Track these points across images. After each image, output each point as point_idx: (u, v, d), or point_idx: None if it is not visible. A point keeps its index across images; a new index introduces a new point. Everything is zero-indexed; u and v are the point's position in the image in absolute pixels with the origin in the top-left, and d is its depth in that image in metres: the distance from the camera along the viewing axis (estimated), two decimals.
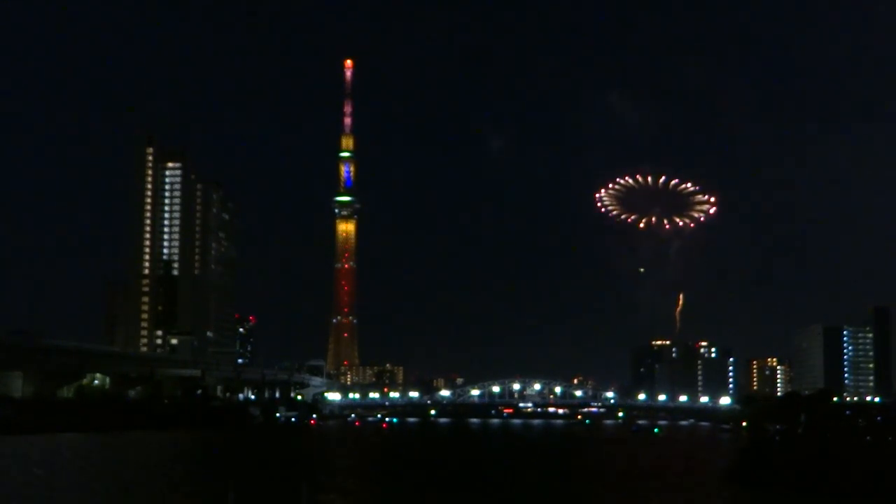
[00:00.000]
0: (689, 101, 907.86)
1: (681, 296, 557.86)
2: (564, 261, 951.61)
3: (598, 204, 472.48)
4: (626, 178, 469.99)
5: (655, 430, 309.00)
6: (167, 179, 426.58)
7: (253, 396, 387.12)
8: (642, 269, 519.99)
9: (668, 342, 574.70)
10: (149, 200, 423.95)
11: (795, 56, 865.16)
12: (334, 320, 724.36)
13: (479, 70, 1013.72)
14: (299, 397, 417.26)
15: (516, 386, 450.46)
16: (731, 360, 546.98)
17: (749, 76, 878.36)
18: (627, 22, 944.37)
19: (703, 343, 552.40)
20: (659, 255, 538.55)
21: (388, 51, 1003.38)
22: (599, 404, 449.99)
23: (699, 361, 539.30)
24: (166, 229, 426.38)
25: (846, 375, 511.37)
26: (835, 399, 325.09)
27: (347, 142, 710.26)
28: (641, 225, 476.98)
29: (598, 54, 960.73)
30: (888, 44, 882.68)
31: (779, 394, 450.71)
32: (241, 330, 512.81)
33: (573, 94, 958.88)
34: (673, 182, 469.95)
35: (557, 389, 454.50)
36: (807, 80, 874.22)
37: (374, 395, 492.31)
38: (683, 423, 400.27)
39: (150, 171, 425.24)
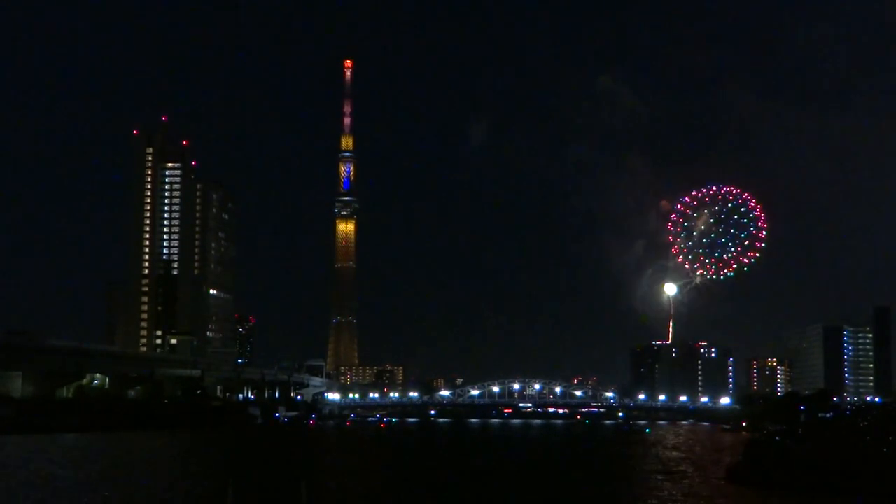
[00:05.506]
0: (685, 90, 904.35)
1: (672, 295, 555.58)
2: (565, 260, 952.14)
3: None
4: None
5: (647, 430, 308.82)
6: (167, 179, 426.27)
7: (253, 396, 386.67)
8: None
9: (668, 342, 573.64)
10: (149, 200, 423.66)
11: (797, 47, 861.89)
12: (334, 320, 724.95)
13: (479, 70, 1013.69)
14: (299, 397, 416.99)
15: (516, 386, 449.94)
16: (731, 360, 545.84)
17: (748, 66, 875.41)
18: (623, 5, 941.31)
19: (703, 343, 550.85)
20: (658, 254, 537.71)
21: (387, 51, 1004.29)
22: (599, 404, 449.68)
23: (699, 361, 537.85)
24: (166, 229, 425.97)
25: (846, 375, 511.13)
26: (834, 399, 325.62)
27: (347, 142, 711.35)
28: None
29: (603, 50, 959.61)
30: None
31: (779, 394, 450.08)
32: (241, 330, 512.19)
33: (570, 92, 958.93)
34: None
35: (557, 389, 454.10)
36: (809, 75, 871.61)
37: (373, 395, 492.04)
38: (684, 423, 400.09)
39: (150, 171, 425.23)
